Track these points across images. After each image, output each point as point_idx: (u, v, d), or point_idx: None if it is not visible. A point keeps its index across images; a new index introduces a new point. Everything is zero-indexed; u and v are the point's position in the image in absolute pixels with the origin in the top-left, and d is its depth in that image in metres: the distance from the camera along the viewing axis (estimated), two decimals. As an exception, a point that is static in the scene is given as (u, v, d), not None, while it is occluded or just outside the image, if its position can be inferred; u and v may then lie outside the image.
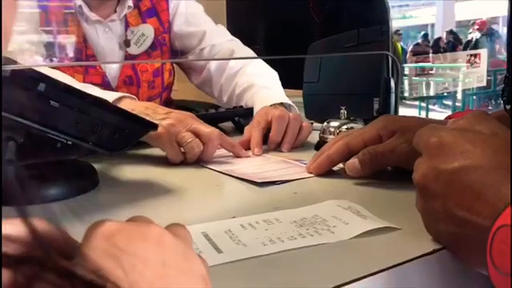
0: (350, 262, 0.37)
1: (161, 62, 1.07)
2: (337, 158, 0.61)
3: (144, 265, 0.26)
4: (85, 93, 0.53)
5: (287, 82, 1.06)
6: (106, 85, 0.99)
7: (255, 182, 0.59)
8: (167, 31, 1.08)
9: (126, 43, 1.01)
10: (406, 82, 5.95)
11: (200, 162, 0.71)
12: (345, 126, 0.74)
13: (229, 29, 1.18)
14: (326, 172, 0.63)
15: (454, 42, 7.61)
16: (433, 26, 11.08)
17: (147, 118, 0.62)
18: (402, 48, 7.74)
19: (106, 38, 1.00)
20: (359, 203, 0.47)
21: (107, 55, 1.01)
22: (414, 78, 6.06)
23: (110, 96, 0.76)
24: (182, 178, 0.66)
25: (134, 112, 0.60)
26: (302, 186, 0.59)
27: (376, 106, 0.95)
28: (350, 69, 0.98)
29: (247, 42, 1.14)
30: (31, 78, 0.49)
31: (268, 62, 1.08)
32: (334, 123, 0.75)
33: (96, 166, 0.64)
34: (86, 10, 0.98)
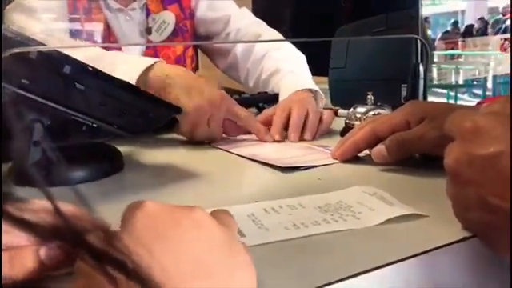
0: (375, 249, 0.36)
1: (186, 44, 1.07)
2: (363, 144, 0.60)
3: (185, 249, 0.25)
4: (110, 76, 0.53)
5: (313, 68, 1.05)
6: None
7: (279, 167, 0.58)
8: (189, 17, 1.07)
9: (148, 31, 1.02)
10: (435, 70, 5.81)
11: (221, 146, 0.70)
12: (371, 112, 0.73)
13: (254, 13, 1.17)
14: (352, 158, 0.62)
15: (484, 30, 7.39)
16: (463, 12, 10.77)
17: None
18: (430, 36, 7.57)
19: (127, 25, 1.01)
20: (385, 190, 0.46)
21: (128, 42, 1.02)
22: (442, 65, 5.91)
23: (142, 63, 0.76)
24: (204, 161, 0.66)
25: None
26: (326, 172, 0.58)
27: (404, 93, 0.93)
28: (377, 54, 0.96)
29: (273, 26, 1.13)
30: (57, 59, 0.49)
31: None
32: (361, 109, 0.74)
33: (120, 148, 0.64)
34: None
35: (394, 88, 0.96)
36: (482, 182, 0.32)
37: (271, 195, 0.47)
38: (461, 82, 5.95)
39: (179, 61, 1.09)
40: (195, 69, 1.17)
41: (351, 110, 0.74)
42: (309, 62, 1.04)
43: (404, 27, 0.90)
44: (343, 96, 1.04)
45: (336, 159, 0.62)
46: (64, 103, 0.52)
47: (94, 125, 0.55)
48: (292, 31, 1.33)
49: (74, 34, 0.98)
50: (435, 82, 5.79)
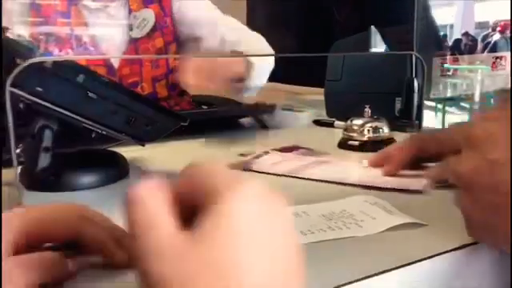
0: (377, 255, 0.38)
1: (168, 57, 1.10)
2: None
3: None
4: (121, 86, 0.55)
5: (310, 80, 1.07)
6: (108, 65, 1.04)
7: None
8: (169, 15, 1.12)
9: (129, 27, 1.06)
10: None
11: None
12: (369, 125, 0.75)
13: (250, 24, 1.20)
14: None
15: (471, 45, 7.49)
16: (452, 26, 10.91)
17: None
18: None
19: (108, 23, 1.05)
20: (385, 199, 0.49)
21: (110, 38, 1.05)
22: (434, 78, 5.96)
23: None
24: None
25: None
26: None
27: (398, 106, 0.96)
28: (373, 68, 0.99)
29: (269, 37, 1.16)
30: (71, 68, 0.51)
31: (289, 59, 1.09)
32: (358, 121, 0.76)
33: (126, 155, 0.65)
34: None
35: (388, 101, 0.98)
36: (503, 187, 0.32)
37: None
38: (449, 95, 6.02)
39: (160, 53, 1.12)
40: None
41: (348, 122, 0.77)
42: (305, 74, 1.06)
43: (400, 41, 0.93)
44: (339, 108, 1.07)
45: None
46: (76, 111, 0.53)
47: (104, 132, 0.56)
48: (289, 42, 1.36)
49: (55, 37, 1.00)
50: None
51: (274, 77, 1.25)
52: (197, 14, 1.14)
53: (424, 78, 0.76)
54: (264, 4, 1.65)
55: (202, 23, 1.13)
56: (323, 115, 1.07)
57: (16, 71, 0.43)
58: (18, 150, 0.63)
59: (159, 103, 0.60)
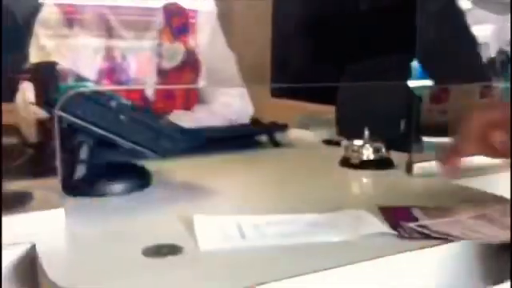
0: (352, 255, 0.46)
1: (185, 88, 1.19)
2: None
3: None
4: (146, 109, 0.65)
5: (322, 97, 1.15)
6: (144, 99, 1.13)
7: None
8: (196, 48, 1.20)
9: (159, 59, 1.14)
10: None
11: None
12: (367, 145, 0.84)
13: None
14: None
15: (507, 62, 7.39)
16: (487, 45, 10.75)
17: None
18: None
19: (139, 55, 1.13)
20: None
21: (141, 71, 1.14)
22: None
23: None
24: (220, 181, 0.77)
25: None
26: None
27: (402, 127, 1.04)
28: (381, 91, 1.07)
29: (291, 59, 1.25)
30: (106, 96, 0.62)
31: (304, 78, 1.18)
32: (358, 142, 0.85)
33: (150, 168, 0.76)
34: (118, 31, 1.10)
35: (394, 122, 1.06)
36: None
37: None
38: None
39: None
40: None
41: (347, 142, 0.85)
42: (318, 92, 1.15)
43: (405, 70, 1.01)
44: (349, 128, 1.15)
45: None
46: (108, 130, 0.64)
47: (131, 148, 0.67)
48: (306, 64, 1.44)
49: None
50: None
51: (289, 94, 1.33)
52: (220, 47, 1.22)
53: (418, 106, 0.84)
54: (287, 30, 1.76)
55: (223, 56, 1.22)
56: (334, 135, 1.15)
57: (63, 99, 0.53)
58: (57, 163, 0.75)
59: (179, 124, 0.71)
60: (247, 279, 0.40)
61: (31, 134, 1.00)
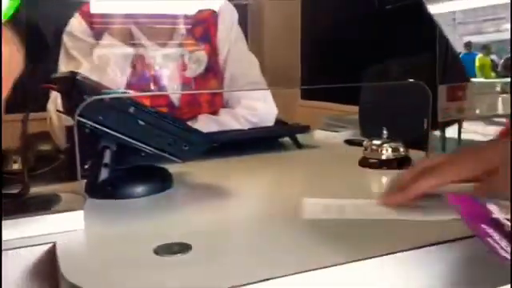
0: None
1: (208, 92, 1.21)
2: None
3: None
4: (163, 113, 0.68)
5: (351, 99, 1.16)
6: (170, 105, 1.16)
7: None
8: (218, 54, 1.22)
9: (183, 68, 1.17)
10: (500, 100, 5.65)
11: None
12: (386, 145, 0.84)
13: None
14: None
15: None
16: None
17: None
18: (493, 61, 7.43)
19: (165, 64, 1.16)
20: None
21: (168, 78, 1.17)
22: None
23: None
24: (241, 183, 0.79)
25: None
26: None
27: (425, 126, 1.03)
28: (403, 91, 1.07)
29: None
30: (125, 102, 0.65)
31: (331, 78, 1.19)
32: (377, 141, 0.85)
33: (172, 171, 0.78)
34: (144, 40, 1.14)
35: (418, 121, 1.06)
36: None
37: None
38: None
39: (216, 93, 1.22)
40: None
41: (367, 142, 0.86)
42: (346, 93, 1.15)
43: (425, 70, 1.01)
44: (372, 128, 1.15)
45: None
46: (128, 134, 0.67)
47: (151, 152, 0.70)
48: (334, 65, 1.44)
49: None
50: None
51: (314, 95, 1.33)
52: (242, 53, 1.24)
53: (428, 106, 0.83)
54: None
55: (245, 62, 1.24)
56: (357, 135, 1.15)
57: (82, 106, 0.56)
58: (86, 166, 0.78)
59: (195, 128, 0.73)
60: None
61: (62, 141, 1.05)
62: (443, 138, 0.96)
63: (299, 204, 0.62)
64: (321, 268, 0.43)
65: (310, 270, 0.43)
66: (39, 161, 0.89)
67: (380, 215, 0.58)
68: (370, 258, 0.45)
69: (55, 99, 1.04)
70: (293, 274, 0.42)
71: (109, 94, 0.64)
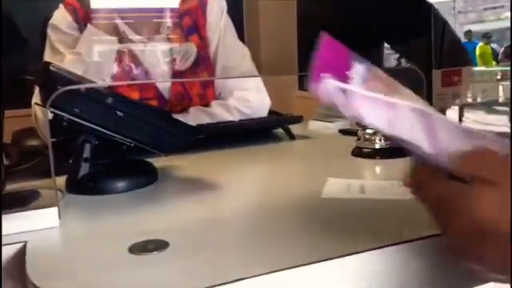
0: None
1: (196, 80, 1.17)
2: None
3: None
4: (144, 104, 0.65)
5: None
6: (160, 98, 1.12)
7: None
8: (208, 45, 1.18)
9: (172, 61, 1.13)
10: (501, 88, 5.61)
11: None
12: (379, 134, 0.81)
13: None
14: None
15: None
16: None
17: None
18: (493, 50, 7.39)
19: (153, 56, 1.12)
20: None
21: (156, 72, 1.13)
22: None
23: None
24: (228, 176, 0.76)
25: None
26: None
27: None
28: (396, 78, 1.03)
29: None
30: (101, 92, 0.62)
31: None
32: (370, 131, 0.82)
33: (157, 165, 0.75)
34: (130, 34, 1.10)
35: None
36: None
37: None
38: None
39: (206, 86, 1.18)
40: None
41: (360, 131, 0.82)
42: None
43: (421, 55, 0.97)
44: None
45: None
46: (107, 127, 0.64)
47: (132, 145, 0.67)
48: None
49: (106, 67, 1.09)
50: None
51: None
52: (233, 43, 1.20)
53: (423, 92, 0.80)
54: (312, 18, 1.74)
55: (237, 53, 1.20)
56: (353, 124, 1.12)
57: (52, 96, 0.53)
58: (70, 161, 0.75)
59: (179, 119, 0.70)
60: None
61: (47, 136, 1.02)
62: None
63: (323, 182, 0.64)
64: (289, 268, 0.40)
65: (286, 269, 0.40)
66: (25, 156, 0.86)
67: (401, 195, 0.55)
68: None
69: (37, 93, 1.01)
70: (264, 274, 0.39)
71: (83, 85, 0.61)
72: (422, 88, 0.74)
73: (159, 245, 0.46)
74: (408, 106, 0.38)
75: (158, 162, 0.76)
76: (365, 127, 0.83)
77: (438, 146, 0.37)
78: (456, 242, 0.37)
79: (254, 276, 0.38)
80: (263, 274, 0.39)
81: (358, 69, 0.38)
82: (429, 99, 0.84)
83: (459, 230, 0.36)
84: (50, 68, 0.59)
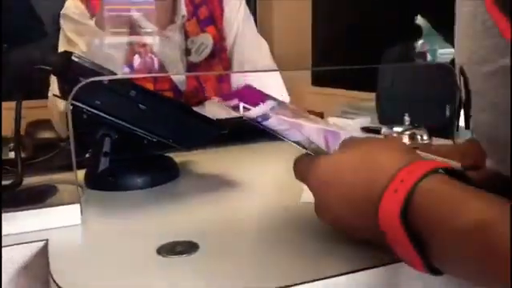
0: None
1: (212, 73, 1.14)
2: None
3: None
4: (167, 98, 0.62)
5: (365, 85, 1.10)
6: (175, 90, 1.09)
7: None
8: (224, 37, 1.14)
9: (187, 52, 1.09)
10: None
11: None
12: (407, 132, 0.78)
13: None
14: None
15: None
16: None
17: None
18: None
19: (167, 47, 1.08)
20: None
21: (171, 63, 1.09)
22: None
23: None
24: (251, 172, 0.73)
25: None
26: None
27: (448, 113, 0.97)
28: (422, 75, 1.00)
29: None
30: (124, 85, 0.59)
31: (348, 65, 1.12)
32: (397, 128, 0.79)
33: (178, 160, 0.73)
34: (144, 23, 1.05)
35: (440, 108, 0.99)
36: None
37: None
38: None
39: (222, 80, 1.15)
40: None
41: (386, 129, 0.80)
42: (354, 78, 1.09)
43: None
44: (391, 114, 1.09)
45: None
46: (129, 121, 0.61)
47: (154, 139, 0.64)
48: (346, 50, 1.38)
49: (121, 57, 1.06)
50: None
51: (325, 81, 1.26)
52: (251, 36, 1.17)
53: (455, 89, 0.77)
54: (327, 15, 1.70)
55: (254, 46, 1.16)
56: (375, 121, 1.09)
57: (76, 88, 0.51)
58: (87, 155, 0.73)
59: (203, 114, 0.67)
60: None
61: (63, 128, 1.00)
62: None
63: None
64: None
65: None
66: (41, 149, 0.84)
67: None
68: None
69: (54, 84, 0.99)
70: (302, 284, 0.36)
71: (107, 77, 0.58)
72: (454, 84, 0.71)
73: (188, 247, 0.44)
74: (310, 125, 0.46)
75: (178, 156, 0.74)
76: (392, 125, 0.80)
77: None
78: (321, 203, 0.43)
79: (291, 286, 0.36)
80: (300, 284, 0.36)
81: (271, 102, 0.45)
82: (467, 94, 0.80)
83: (314, 186, 0.44)
84: (73, 58, 0.57)
